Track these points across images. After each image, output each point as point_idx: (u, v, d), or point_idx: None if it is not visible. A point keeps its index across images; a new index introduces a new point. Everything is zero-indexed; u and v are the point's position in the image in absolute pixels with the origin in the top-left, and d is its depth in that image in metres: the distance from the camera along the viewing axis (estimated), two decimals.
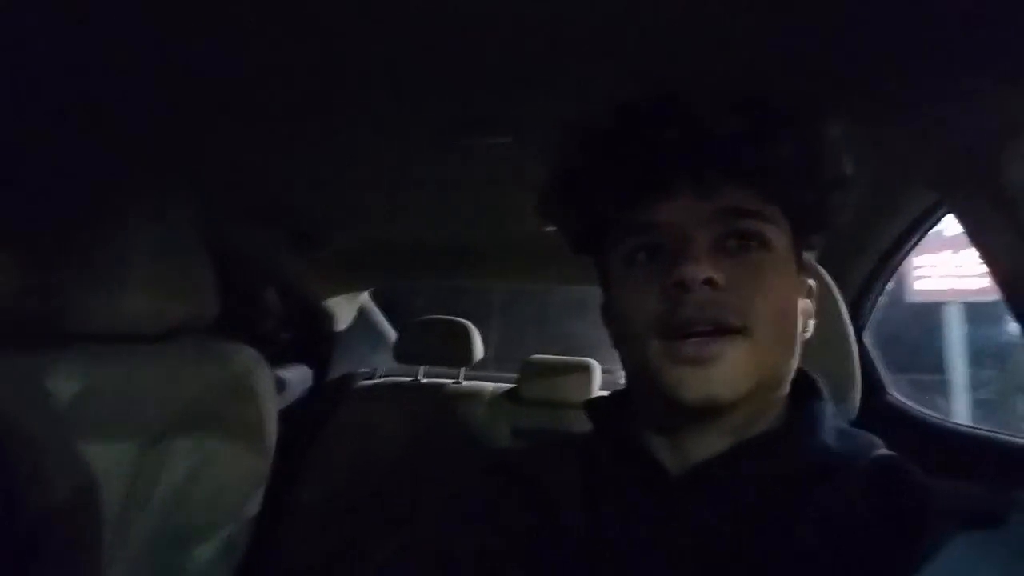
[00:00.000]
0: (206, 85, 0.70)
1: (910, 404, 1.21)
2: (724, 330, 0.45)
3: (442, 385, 1.98)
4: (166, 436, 0.83)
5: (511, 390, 1.89)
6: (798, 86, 0.61)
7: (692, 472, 0.48)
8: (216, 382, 0.89)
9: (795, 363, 0.50)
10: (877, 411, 1.17)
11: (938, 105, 0.64)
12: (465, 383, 1.99)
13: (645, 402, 0.53)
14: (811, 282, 0.55)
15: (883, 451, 0.49)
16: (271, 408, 0.95)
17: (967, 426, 1.08)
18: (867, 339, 1.22)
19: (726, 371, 0.44)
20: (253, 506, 0.93)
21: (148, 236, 0.85)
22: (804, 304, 0.52)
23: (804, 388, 0.52)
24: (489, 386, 1.96)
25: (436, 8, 0.54)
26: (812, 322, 0.53)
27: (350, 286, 1.98)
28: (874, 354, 1.23)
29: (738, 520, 0.45)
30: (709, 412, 0.46)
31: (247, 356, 0.95)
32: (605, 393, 0.61)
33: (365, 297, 2.14)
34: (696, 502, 0.46)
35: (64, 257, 0.82)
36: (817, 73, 0.60)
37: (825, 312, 0.64)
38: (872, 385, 1.20)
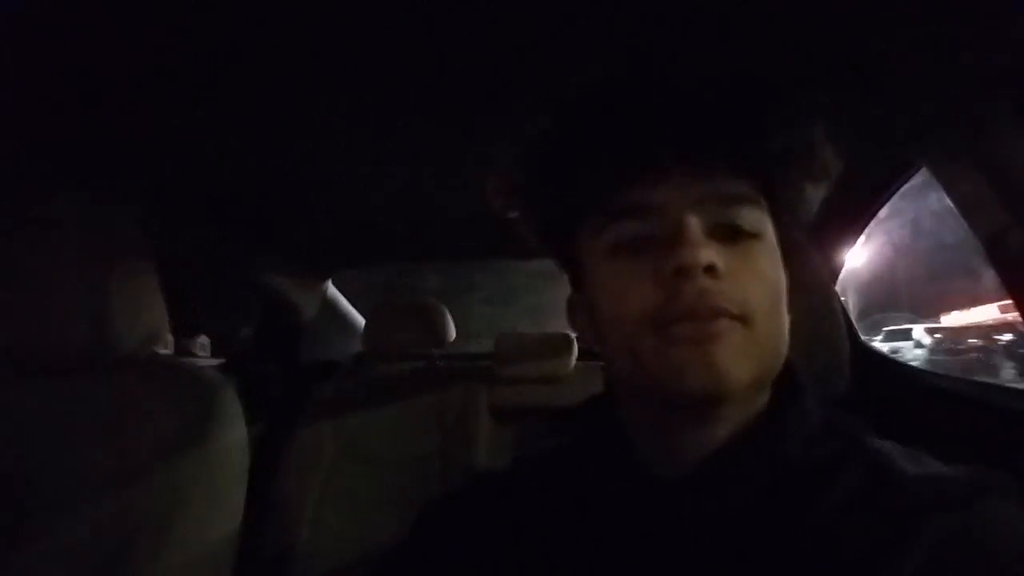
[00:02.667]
0: (156, 75, 0.65)
1: (883, 352, 1.24)
2: (726, 318, 0.43)
3: (416, 368, 1.94)
4: (119, 476, 0.77)
5: (487, 368, 1.86)
6: (775, 56, 0.59)
7: (684, 478, 0.46)
8: (173, 412, 0.83)
9: (784, 356, 0.48)
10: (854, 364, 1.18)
11: (916, 70, 0.62)
12: (440, 364, 1.96)
13: (635, 402, 0.50)
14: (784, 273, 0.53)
15: (871, 439, 0.48)
16: (237, 435, 0.89)
17: (943, 375, 1.10)
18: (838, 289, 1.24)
19: (728, 354, 0.42)
20: (230, 541, 0.87)
21: (87, 251, 0.79)
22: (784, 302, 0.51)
23: (787, 377, 0.50)
24: (464, 366, 1.93)
25: None
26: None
27: (312, 275, 1.92)
28: (845, 302, 1.24)
29: (732, 524, 0.43)
30: (709, 402, 0.44)
31: (207, 380, 0.89)
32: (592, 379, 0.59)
33: (329, 285, 2.08)
34: (689, 509, 0.45)
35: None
36: (795, 44, 0.59)
37: (815, 289, 0.63)
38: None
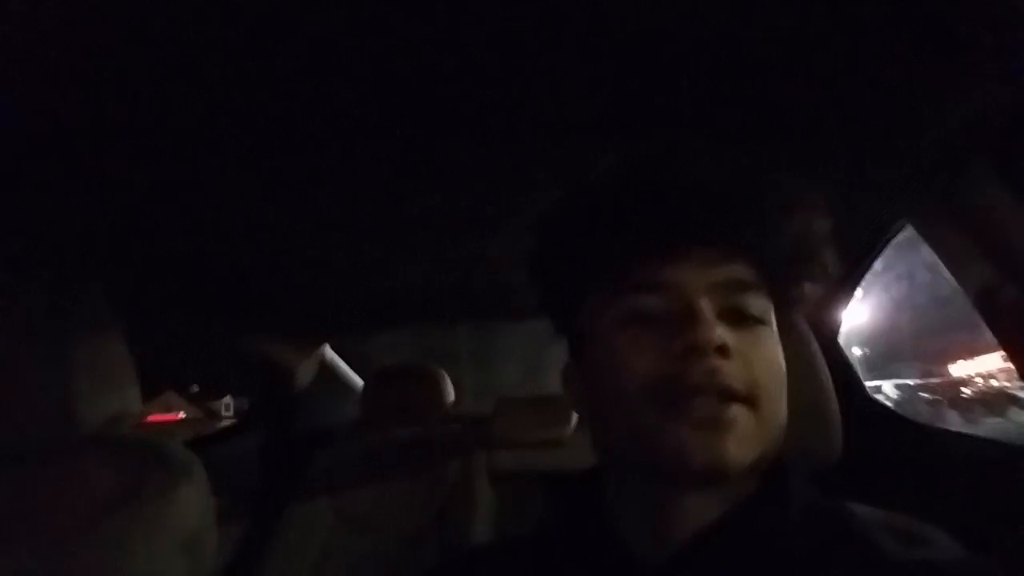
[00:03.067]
0: (125, 153, 0.66)
1: (887, 406, 1.21)
2: (733, 399, 0.43)
3: (415, 434, 1.90)
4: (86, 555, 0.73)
5: (486, 433, 1.83)
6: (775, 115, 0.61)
7: (666, 564, 0.46)
8: (139, 492, 0.78)
9: (781, 440, 0.49)
10: (855, 413, 1.16)
11: (895, 129, 0.64)
12: (439, 429, 1.92)
13: (625, 477, 0.50)
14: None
15: (856, 521, 0.48)
16: (206, 516, 0.85)
17: (943, 428, 1.09)
18: (843, 341, 1.23)
19: (734, 439, 0.43)
20: None
21: (48, 331, 0.77)
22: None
23: (773, 458, 0.49)
24: (463, 430, 1.89)
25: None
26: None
27: (307, 341, 1.91)
28: (851, 355, 1.23)
29: None
30: (709, 481, 0.44)
31: (170, 459, 0.85)
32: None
33: (326, 349, 2.06)
34: None
35: None
36: (776, 112, 0.61)
37: (801, 362, 0.62)
38: (849, 388, 1.20)
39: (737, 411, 0.43)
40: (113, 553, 0.75)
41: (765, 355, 0.47)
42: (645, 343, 0.45)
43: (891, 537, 0.46)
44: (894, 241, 0.97)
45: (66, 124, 0.60)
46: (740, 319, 0.46)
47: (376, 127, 0.65)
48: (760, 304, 0.48)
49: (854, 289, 1.13)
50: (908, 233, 0.88)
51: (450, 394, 1.92)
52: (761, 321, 0.48)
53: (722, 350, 0.43)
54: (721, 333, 0.43)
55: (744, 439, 0.43)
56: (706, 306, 0.45)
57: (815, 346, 0.67)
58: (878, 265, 1.07)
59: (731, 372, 0.43)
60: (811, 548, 0.44)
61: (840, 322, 1.18)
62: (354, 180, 0.82)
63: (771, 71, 0.56)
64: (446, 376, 1.93)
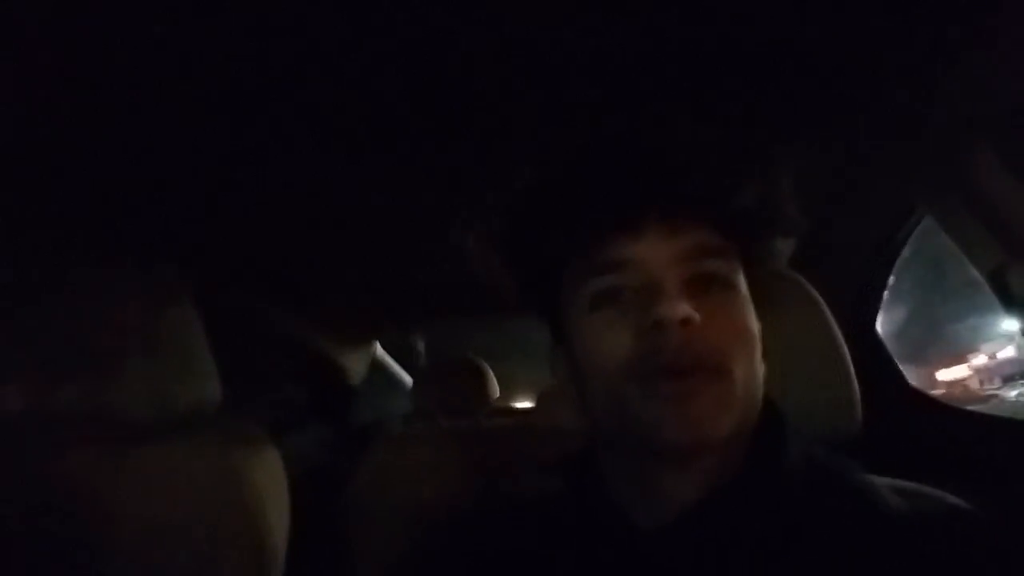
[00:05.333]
0: (202, 150, 0.71)
1: (929, 394, 1.21)
2: (704, 370, 0.43)
3: (463, 427, 1.97)
4: (176, 532, 0.81)
5: (530, 424, 1.88)
6: (770, 101, 0.62)
7: (662, 528, 0.46)
8: (224, 473, 0.86)
9: (760, 404, 0.49)
10: (895, 403, 1.16)
11: (909, 112, 0.64)
12: (485, 422, 1.98)
13: (615, 451, 0.51)
14: (758, 323, 0.52)
15: (860, 477, 0.48)
16: (280, 493, 0.92)
17: (987, 414, 1.07)
18: (881, 329, 1.22)
19: (707, 409, 0.43)
20: None
21: (137, 319, 0.83)
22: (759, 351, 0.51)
23: (768, 421, 0.50)
24: (510, 423, 1.95)
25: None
26: (764, 364, 0.51)
27: (360, 338, 1.99)
28: (890, 345, 1.22)
29: (713, 572, 0.43)
30: (690, 453, 0.45)
31: (254, 439, 0.93)
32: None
33: (377, 347, 2.15)
34: (667, 559, 0.45)
35: (44, 350, 0.79)
36: (791, 90, 0.61)
37: (817, 333, 0.63)
38: (888, 377, 1.20)
39: (707, 382, 0.43)
40: (193, 531, 0.83)
41: (734, 319, 0.46)
42: (615, 322, 0.46)
43: (895, 496, 0.46)
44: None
45: (140, 117, 0.64)
46: (707, 285, 0.46)
47: (427, 120, 0.67)
48: (727, 268, 0.47)
49: (887, 274, 1.14)
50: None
51: (495, 388, 1.98)
52: (728, 286, 0.47)
53: (688, 322, 0.43)
54: (684, 307, 0.43)
55: (719, 409, 0.43)
56: (671, 277, 0.45)
57: (829, 319, 0.66)
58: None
59: (699, 343, 0.43)
60: (808, 508, 0.44)
61: (876, 306, 1.18)
62: (400, 178, 0.86)
63: (777, 53, 0.56)
64: (490, 371, 1.99)
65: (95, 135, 0.65)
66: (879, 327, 1.22)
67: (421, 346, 2.39)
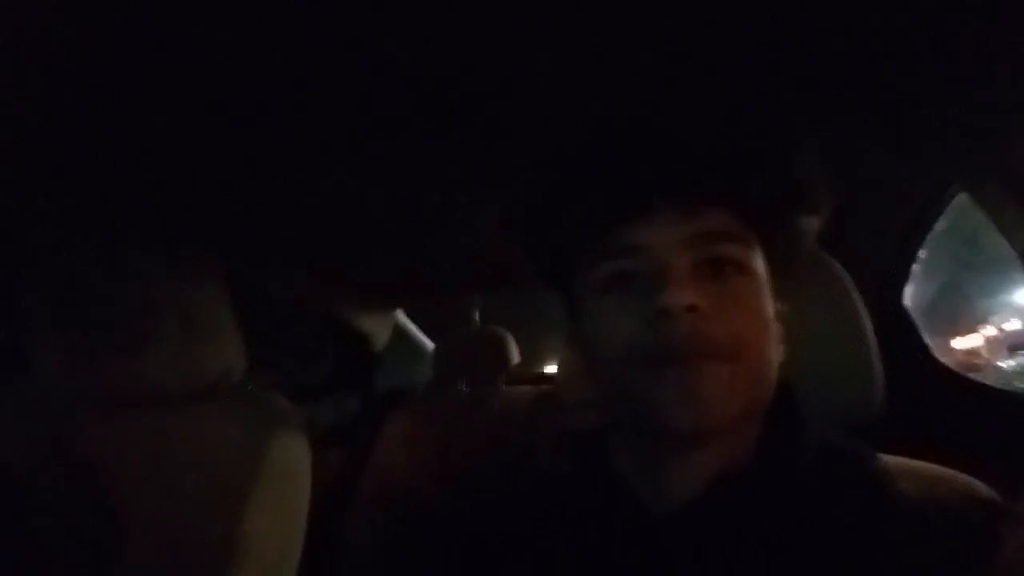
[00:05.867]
0: (221, 126, 0.72)
1: (958, 371, 1.19)
2: (710, 357, 0.43)
3: (484, 394, 1.99)
4: (202, 495, 0.84)
5: (550, 392, 1.90)
6: (800, 83, 0.60)
7: (672, 511, 0.46)
8: (248, 440, 0.90)
9: (773, 389, 0.48)
10: (921, 379, 1.14)
11: (945, 91, 0.62)
12: (506, 389, 2.01)
13: (625, 434, 0.51)
14: (781, 306, 0.52)
15: (875, 461, 0.48)
16: (303, 458, 0.96)
17: (1017, 391, 1.06)
18: (908, 303, 1.20)
19: (713, 399, 0.42)
20: (296, 553, 0.93)
21: (168, 288, 0.86)
22: (778, 328, 0.50)
23: (782, 404, 0.49)
24: (530, 390, 1.97)
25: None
26: (783, 346, 0.50)
27: (383, 305, 2.01)
28: (918, 319, 1.20)
29: (719, 559, 0.43)
30: (695, 439, 0.44)
31: (279, 407, 0.95)
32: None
33: (400, 314, 2.17)
34: (677, 542, 0.45)
35: (81, 318, 0.82)
36: (823, 70, 0.59)
37: (837, 304, 0.62)
38: (915, 354, 1.18)
39: (714, 369, 0.43)
40: (219, 494, 0.86)
41: (746, 305, 0.46)
42: (624, 307, 0.46)
43: (911, 481, 0.46)
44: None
45: (171, 99, 0.65)
46: (719, 270, 0.46)
47: (444, 101, 0.67)
48: (740, 252, 0.46)
49: (916, 249, 1.11)
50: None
51: (516, 356, 2.00)
52: (742, 270, 0.46)
53: (694, 308, 0.43)
54: (690, 293, 0.43)
55: (724, 396, 0.43)
56: (681, 263, 0.44)
57: (854, 297, 0.65)
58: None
59: (706, 330, 0.43)
60: (819, 494, 0.44)
61: (904, 280, 1.16)
62: (420, 152, 0.86)
63: (800, 27, 0.54)
64: (511, 338, 2.00)
65: (127, 119, 0.67)
66: (907, 300, 1.20)
67: (477, 313, 2.40)
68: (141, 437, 0.85)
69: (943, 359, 1.16)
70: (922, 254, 1.14)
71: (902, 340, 1.16)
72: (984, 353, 2.18)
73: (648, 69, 0.58)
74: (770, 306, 0.48)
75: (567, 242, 0.51)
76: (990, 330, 2.19)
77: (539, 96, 0.65)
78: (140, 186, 0.86)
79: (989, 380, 1.10)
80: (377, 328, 2.01)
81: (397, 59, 0.58)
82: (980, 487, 0.46)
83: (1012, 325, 2.13)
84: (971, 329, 2.17)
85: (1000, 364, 2.08)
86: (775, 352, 0.48)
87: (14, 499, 0.77)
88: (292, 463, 0.93)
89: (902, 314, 1.19)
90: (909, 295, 1.19)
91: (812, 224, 0.51)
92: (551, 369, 2.08)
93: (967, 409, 1.07)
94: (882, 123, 0.69)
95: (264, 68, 0.60)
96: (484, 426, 1.85)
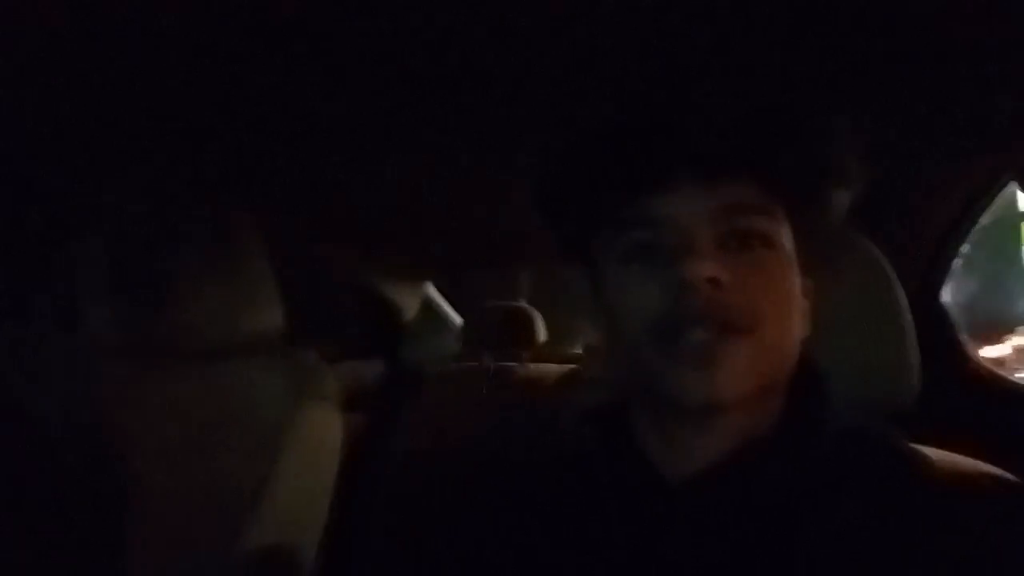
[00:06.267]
0: (252, 98, 0.73)
1: (994, 368, 1.16)
2: (728, 330, 0.42)
3: (509, 369, 2.01)
4: (236, 445, 0.87)
5: (576, 371, 1.90)
6: (833, 63, 0.58)
7: (691, 482, 0.46)
8: (285, 394, 0.92)
9: (793, 364, 0.47)
10: (957, 379, 1.12)
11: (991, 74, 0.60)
12: (531, 366, 2.02)
13: (642, 406, 0.51)
14: (809, 282, 0.51)
15: (902, 444, 0.47)
16: (335, 414, 0.98)
17: None
18: (947, 300, 1.18)
19: (729, 373, 0.42)
20: (322, 511, 0.96)
21: (210, 248, 0.89)
22: (804, 304, 0.49)
23: (805, 382, 0.48)
24: (555, 368, 1.98)
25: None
26: (808, 322, 0.50)
27: (413, 277, 2.04)
28: (956, 318, 1.18)
29: (738, 531, 0.43)
30: (711, 413, 0.44)
31: (312, 364, 0.98)
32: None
33: (429, 287, 2.19)
34: (696, 513, 0.45)
35: (128, 276, 0.86)
36: (859, 46, 0.58)
37: (876, 291, 0.60)
38: (951, 351, 1.15)
39: (732, 342, 0.42)
40: (253, 444, 0.89)
41: (769, 279, 0.45)
42: (645, 278, 0.45)
43: (938, 465, 0.45)
44: None
45: (211, 69, 0.67)
46: (743, 243, 0.45)
47: (470, 71, 0.68)
48: (765, 225, 0.45)
49: (959, 243, 1.09)
50: None
51: (543, 333, 2.01)
52: (767, 244, 0.45)
53: (715, 282, 0.42)
54: (712, 265, 0.42)
55: (741, 370, 0.42)
56: (704, 235, 0.44)
57: (892, 281, 0.63)
58: None
59: (726, 302, 0.43)
60: (838, 469, 0.44)
61: (943, 275, 1.13)
62: (449, 128, 0.87)
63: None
64: (539, 316, 2.01)
65: (172, 81, 0.68)
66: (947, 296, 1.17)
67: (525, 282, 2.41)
68: (180, 388, 0.88)
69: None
70: (965, 249, 1.11)
71: (939, 337, 1.14)
72: (1012, 363, 2.13)
73: (675, 39, 0.57)
74: (796, 281, 0.48)
75: (590, 213, 0.50)
76: (1019, 340, 2.13)
77: (566, 68, 0.64)
78: (185, 150, 0.88)
79: None
80: (406, 300, 2.03)
81: (425, 29, 0.58)
82: (1013, 479, 0.45)
83: None
84: (998, 339, 2.11)
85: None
86: (798, 327, 0.48)
87: (46, 454, 0.81)
88: (324, 418, 0.96)
89: (940, 310, 1.16)
90: (948, 292, 1.16)
91: (842, 198, 0.50)
92: (578, 351, 2.08)
93: (1005, 410, 1.05)
94: (925, 106, 0.67)
95: (299, 45, 0.61)
96: (508, 401, 1.87)
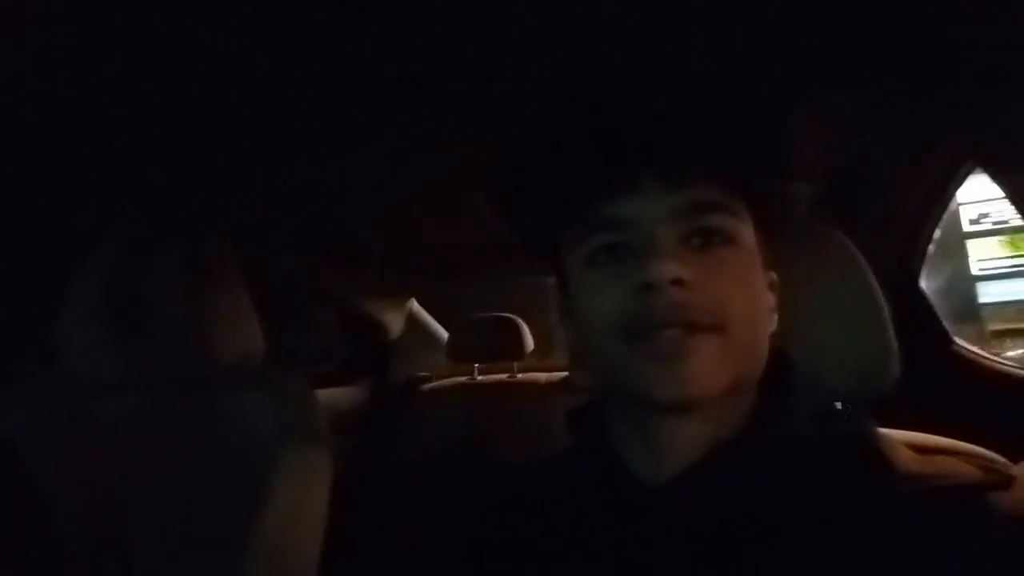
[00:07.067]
0: (228, 115, 0.73)
1: (977, 352, 1.17)
2: (695, 328, 0.42)
3: (498, 380, 2.00)
4: (218, 479, 0.85)
5: (565, 379, 1.90)
6: (795, 55, 0.59)
7: (664, 482, 0.46)
8: (266, 420, 0.90)
9: (764, 359, 0.47)
10: (941, 363, 1.13)
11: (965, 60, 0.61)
12: (520, 376, 2.02)
13: (616, 407, 0.51)
14: (773, 275, 0.51)
15: (874, 434, 0.47)
16: (324, 442, 0.96)
17: None
18: (925, 286, 1.19)
19: (699, 368, 0.42)
20: (316, 542, 0.94)
21: (184, 278, 0.88)
22: (770, 298, 0.49)
23: (776, 375, 0.48)
24: (543, 377, 1.97)
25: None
26: (776, 316, 0.50)
27: (397, 293, 2.03)
28: (936, 302, 1.19)
29: (715, 529, 0.43)
30: (682, 411, 0.44)
31: (297, 391, 0.97)
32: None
33: (413, 302, 2.18)
34: (669, 513, 0.45)
35: (104, 308, 0.85)
36: (831, 42, 0.59)
37: (849, 281, 0.61)
38: (933, 336, 1.17)
39: (701, 340, 0.42)
40: (236, 476, 0.87)
41: (734, 276, 0.45)
42: (609, 280, 0.45)
43: (912, 455, 0.45)
44: None
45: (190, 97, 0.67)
46: (707, 241, 0.45)
47: (430, 81, 0.68)
48: (728, 222, 0.46)
49: (932, 228, 1.10)
50: None
51: (530, 343, 2.00)
52: (731, 240, 0.45)
53: (679, 282, 0.42)
54: (675, 266, 0.42)
55: (711, 367, 0.42)
56: (667, 235, 0.44)
57: (863, 268, 0.64)
58: None
59: (692, 302, 0.42)
60: (810, 466, 0.44)
61: (921, 261, 1.15)
62: (422, 137, 0.87)
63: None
64: (525, 326, 2.01)
65: (150, 114, 0.68)
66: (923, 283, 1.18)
67: (456, 303, 2.41)
68: (159, 418, 0.87)
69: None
70: (937, 234, 1.13)
71: (919, 321, 1.15)
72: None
73: (631, 36, 0.58)
74: (760, 276, 0.48)
75: (553, 216, 0.50)
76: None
77: (526, 66, 0.65)
78: (159, 179, 0.88)
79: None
80: (391, 317, 2.02)
81: (387, 40, 0.58)
82: (992, 456, 0.46)
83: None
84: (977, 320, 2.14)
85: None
86: (765, 323, 0.48)
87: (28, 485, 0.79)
88: (312, 449, 0.94)
89: (918, 296, 1.17)
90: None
91: (803, 191, 0.50)
92: (565, 359, 2.07)
93: (987, 392, 1.06)
94: (892, 92, 0.67)
95: (268, 64, 0.61)
96: (497, 411, 1.86)
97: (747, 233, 0.47)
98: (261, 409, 0.91)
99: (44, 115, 0.70)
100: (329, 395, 1.87)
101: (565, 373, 1.91)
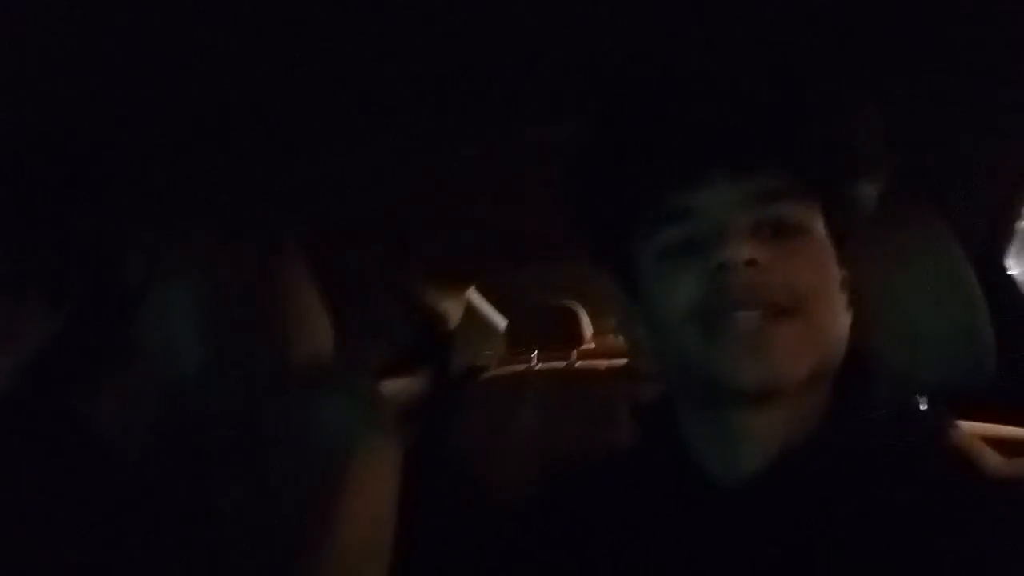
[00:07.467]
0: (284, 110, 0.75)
1: None
2: (774, 311, 0.42)
3: (558, 368, 2.00)
4: (293, 478, 0.87)
5: (626, 366, 1.88)
6: (868, 40, 0.56)
7: (740, 485, 0.45)
8: (338, 421, 0.92)
9: (843, 350, 0.46)
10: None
11: None
12: (579, 364, 2.01)
13: (689, 404, 0.50)
14: (846, 273, 0.50)
15: (956, 432, 0.46)
16: (394, 441, 0.97)
17: None
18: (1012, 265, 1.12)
19: (781, 353, 0.41)
20: (387, 543, 0.96)
21: (256, 283, 0.89)
22: (844, 297, 0.48)
23: (852, 370, 0.47)
24: (603, 364, 1.96)
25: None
26: (851, 313, 0.49)
27: (454, 283, 2.05)
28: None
29: (790, 531, 0.42)
30: (762, 400, 0.43)
31: (365, 390, 0.98)
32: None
33: (472, 292, 2.20)
34: (739, 511, 0.44)
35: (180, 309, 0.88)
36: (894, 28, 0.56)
37: (942, 264, 0.58)
38: (1020, 323, 1.10)
39: (780, 324, 0.42)
40: (308, 479, 0.89)
41: (808, 262, 0.45)
42: (683, 269, 0.45)
43: (993, 453, 0.44)
44: None
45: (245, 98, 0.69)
46: (778, 230, 0.45)
47: (499, 66, 0.68)
48: (799, 212, 0.45)
49: (1020, 208, 1.03)
50: None
51: (589, 331, 1.99)
52: (802, 231, 0.45)
53: (753, 263, 0.42)
54: (749, 248, 0.42)
55: (792, 353, 0.42)
56: (739, 222, 0.44)
57: (955, 255, 0.60)
58: None
59: (768, 282, 0.42)
60: (892, 462, 0.43)
61: (1007, 242, 1.08)
62: (491, 130, 0.87)
63: None
64: (585, 313, 2.00)
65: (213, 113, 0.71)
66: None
67: (515, 291, 2.41)
68: (234, 419, 0.89)
69: None
70: None
71: (1006, 306, 1.08)
72: None
73: (701, 27, 0.56)
74: (835, 269, 0.47)
75: (624, 213, 0.50)
76: None
77: (590, 61, 0.64)
78: (222, 171, 0.90)
79: None
80: (450, 308, 2.04)
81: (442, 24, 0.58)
82: None
83: None
84: None
85: None
86: (843, 312, 0.47)
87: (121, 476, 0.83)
88: (382, 449, 0.96)
89: (1005, 278, 1.11)
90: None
91: (873, 182, 0.48)
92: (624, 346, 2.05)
93: None
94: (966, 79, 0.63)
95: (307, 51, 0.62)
96: (559, 401, 1.86)
97: (818, 224, 0.47)
98: (333, 410, 0.93)
99: (112, 120, 0.73)
100: (390, 387, 1.91)
101: (624, 360, 1.89)
